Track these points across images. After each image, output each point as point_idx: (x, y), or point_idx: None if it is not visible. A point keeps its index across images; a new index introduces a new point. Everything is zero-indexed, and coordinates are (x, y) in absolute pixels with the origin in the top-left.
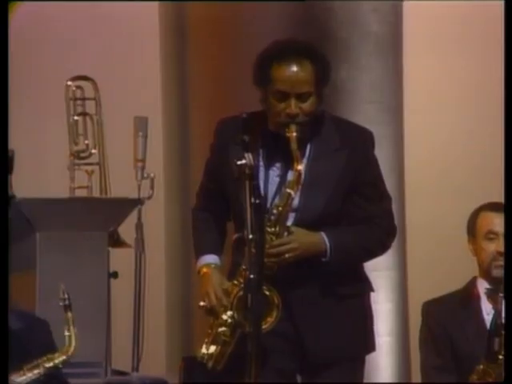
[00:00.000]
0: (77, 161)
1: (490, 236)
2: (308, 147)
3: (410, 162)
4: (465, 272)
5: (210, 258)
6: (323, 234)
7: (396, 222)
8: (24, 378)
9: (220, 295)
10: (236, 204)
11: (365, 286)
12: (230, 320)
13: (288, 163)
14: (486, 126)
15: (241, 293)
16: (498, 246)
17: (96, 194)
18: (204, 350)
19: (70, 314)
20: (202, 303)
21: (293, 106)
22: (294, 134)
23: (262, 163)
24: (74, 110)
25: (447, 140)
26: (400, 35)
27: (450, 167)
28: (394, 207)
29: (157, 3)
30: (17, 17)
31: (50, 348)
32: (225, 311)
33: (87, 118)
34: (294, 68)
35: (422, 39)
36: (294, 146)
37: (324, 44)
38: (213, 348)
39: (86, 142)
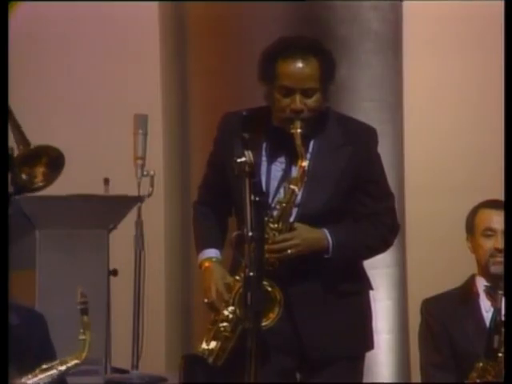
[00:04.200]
0: None
1: (487, 233)
2: (311, 143)
3: (409, 160)
4: (464, 270)
5: (212, 252)
6: (326, 231)
7: None
8: (36, 379)
9: (221, 290)
10: (238, 199)
11: (364, 284)
12: (231, 315)
13: (291, 159)
14: (486, 125)
15: (241, 289)
16: (496, 242)
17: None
18: (204, 346)
19: (86, 318)
20: (206, 300)
21: (298, 102)
22: (299, 131)
23: (264, 158)
24: None
25: (447, 138)
26: (400, 33)
27: (450, 165)
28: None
29: (157, 3)
30: (17, 17)
31: (46, 342)
32: (226, 306)
33: None
34: (300, 64)
35: (422, 38)
36: (298, 142)
37: (324, 42)
38: (213, 343)
39: None
